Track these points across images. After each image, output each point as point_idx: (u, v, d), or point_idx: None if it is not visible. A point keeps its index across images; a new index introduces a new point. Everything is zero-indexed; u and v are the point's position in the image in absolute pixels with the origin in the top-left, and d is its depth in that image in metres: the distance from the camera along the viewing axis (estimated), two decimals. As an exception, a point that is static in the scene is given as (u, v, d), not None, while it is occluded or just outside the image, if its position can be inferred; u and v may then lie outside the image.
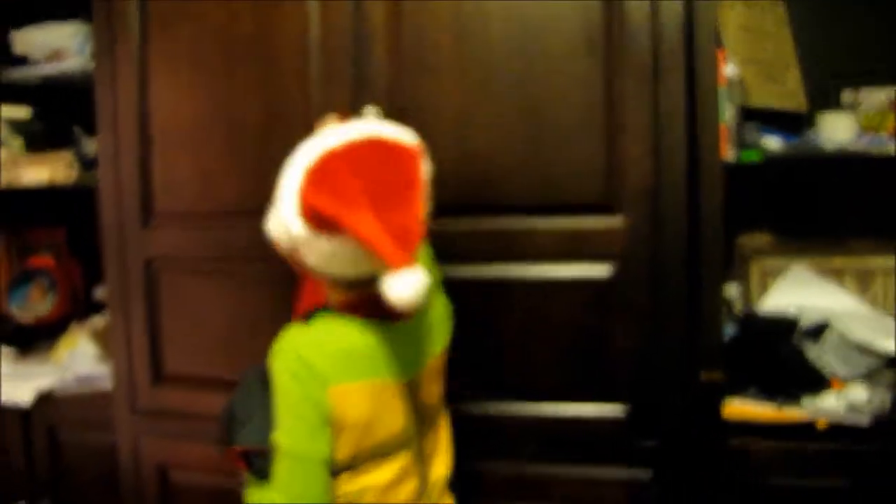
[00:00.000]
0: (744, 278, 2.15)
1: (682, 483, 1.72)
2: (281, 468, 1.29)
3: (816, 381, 1.86)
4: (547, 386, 1.70)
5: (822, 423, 1.76)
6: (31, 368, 2.40)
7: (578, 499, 1.70)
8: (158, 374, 1.99)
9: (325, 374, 1.28)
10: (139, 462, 2.04)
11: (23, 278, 2.61)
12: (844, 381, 1.86)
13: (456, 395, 1.59)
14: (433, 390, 1.46)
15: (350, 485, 1.35)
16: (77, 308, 2.60)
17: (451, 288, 1.51)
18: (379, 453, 1.36)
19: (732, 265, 2.13)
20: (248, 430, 1.34)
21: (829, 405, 1.80)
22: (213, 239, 1.90)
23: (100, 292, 2.55)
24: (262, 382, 1.33)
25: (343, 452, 1.32)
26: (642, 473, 1.67)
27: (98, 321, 2.48)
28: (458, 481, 1.56)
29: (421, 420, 1.42)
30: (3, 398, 2.30)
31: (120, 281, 1.98)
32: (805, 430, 1.77)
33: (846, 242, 2.13)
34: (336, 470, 1.32)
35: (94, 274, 2.57)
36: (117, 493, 2.17)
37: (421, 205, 1.25)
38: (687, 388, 1.72)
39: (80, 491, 2.30)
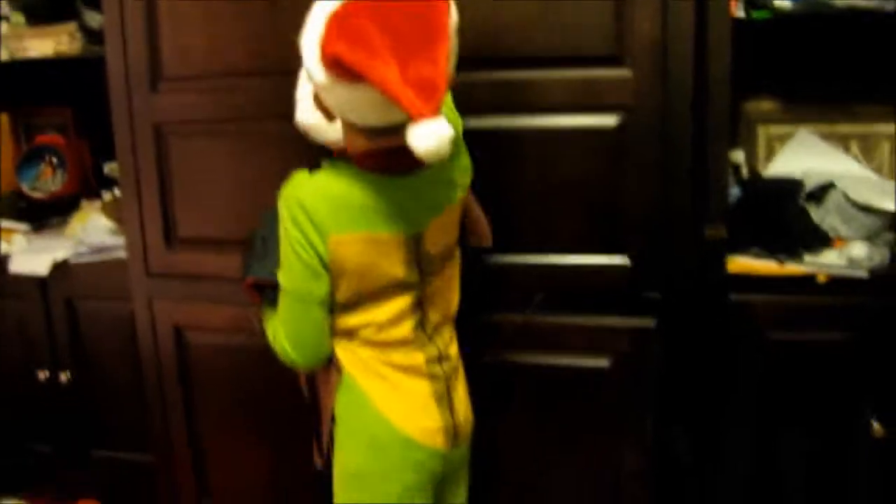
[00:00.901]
0: (750, 143, 2.16)
1: (683, 333, 1.77)
2: (283, 303, 1.39)
3: (819, 240, 1.90)
4: (557, 237, 1.74)
5: (822, 277, 1.80)
6: (46, 242, 2.45)
7: (586, 346, 1.76)
8: (171, 238, 2.03)
9: (324, 223, 1.31)
10: (155, 324, 2.10)
11: (32, 156, 2.63)
12: (846, 240, 1.90)
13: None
14: (441, 240, 1.48)
15: (349, 320, 1.42)
16: (87, 185, 2.63)
17: (465, 139, 1.52)
18: (377, 295, 1.41)
19: (739, 130, 2.14)
20: (261, 263, 1.40)
21: (829, 261, 1.84)
22: (221, 101, 1.91)
23: (109, 168, 2.57)
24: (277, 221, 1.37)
25: (342, 293, 1.39)
26: (646, 322, 1.72)
27: (108, 196, 2.51)
28: (472, 330, 1.61)
29: (424, 269, 1.45)
30: (21, 269, 2.36)
31: (130, 147, 2.00)
32: (806, 284, 1.81)
33: (852, 108, 2.13)
34: (336, 307, 1.40)
35: (102, 152, 2.60)
36: (135, 358, 2.25)
37: (446, 56, 1.23)
38: (692, 243, 1.76)
39: (99, 357, 2.39)
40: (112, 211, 2.42)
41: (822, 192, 1.99)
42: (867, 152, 2.14)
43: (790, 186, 1.99)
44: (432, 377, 1.48)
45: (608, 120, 1.67)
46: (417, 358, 1.46)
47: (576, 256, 1.74)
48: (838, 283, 1.80)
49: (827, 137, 2.12)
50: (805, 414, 1.87)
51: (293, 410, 1.74)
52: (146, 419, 2.23)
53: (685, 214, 1.72)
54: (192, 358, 2.10)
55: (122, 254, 2.26)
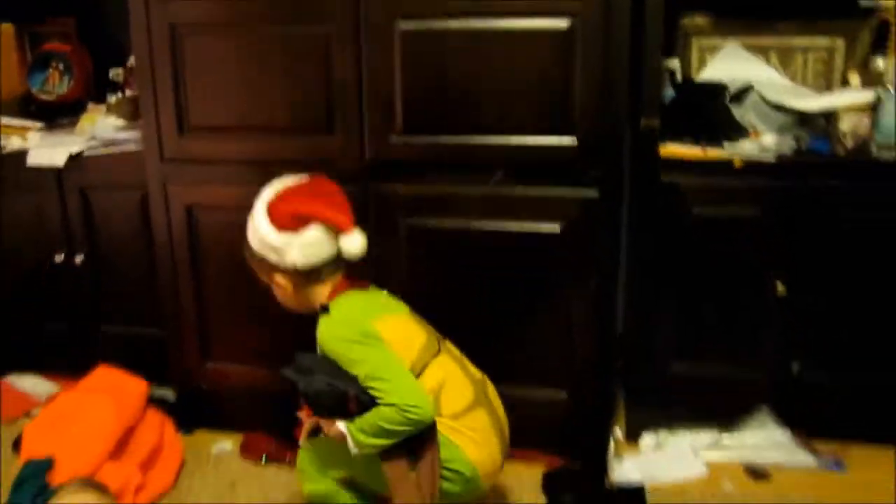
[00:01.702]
0: (685, 54, 2.53)
1: (621, 206, 2.16)
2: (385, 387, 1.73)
3: (738, 132, 2.29)
4: (516, 121, 2.10)
5: (738, 162, 2.19)
6: (59, 138, 2.75)
7: (540, 214, 2.14)
8: (183, 126, 2.34)
9: (365, 317, 1.81)
10: (168, 206, 2.43)
11: (41, 61, 2.91)
12: (760, 133, 2.30)
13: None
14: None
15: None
16: (91, 90, 2.92)
17: (445, 36, 1.86)
18: (423, 362, 1.82)
19: (676, 42, 2.51)
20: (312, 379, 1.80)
21: (745, 148, 2.24)
22: (232, 6, 2.21)
23: (114, 73, 2.86)
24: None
25: None
26: (591, 193, 2.10)
27: (114, 98, 2.81)
28: (435, 202, 1.99)
29: (435, 334, 1.92)
30: (39, 162, 2.66)
31: (147, 45, 2.29)
32: (724, 168, 2.20)
33: (773, 25, 2.50)
34: None
35: (103, 61, 2.89)
36: (143, 241, 2.59)
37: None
38: (629, 131, 2.14)
39: (110, 241, 2.70)
40: (119, 110, 2.73)
41: (742, 93, 2.37)
42: (785, 63, 2.51)
43: (716, 88, 2.38)
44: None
45: (560, 23, 2.02)
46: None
47: (532, 137, 2.10)
48: (751, 167, 2.19)
49: (751, 49, 2.49)
50: (723, 277, 2.28)
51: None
52: (157, 294, 2.57)
53: (623, 106, 2.08)
54: (202, 236, 2.42)
55: (131, 147, 2.59)
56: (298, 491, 2.09)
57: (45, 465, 2.19)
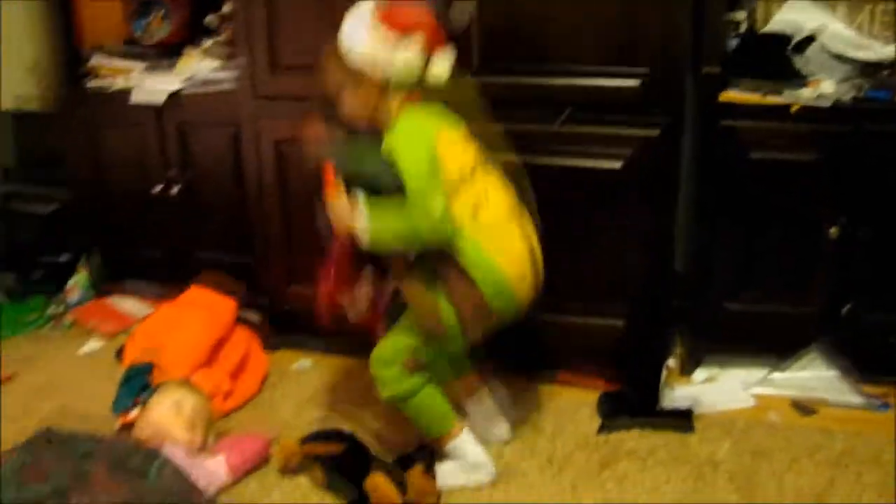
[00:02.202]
0: (751, 7, 2.63)
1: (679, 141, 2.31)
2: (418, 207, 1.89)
3: (798, 79, 2.41)
4: (583, 63, 2.26)
5: (795, 107, 2.31)
6: (159, 78, 3.01)
7: (603, 152, 2.30)
8: (275, 65, 2.57)
9: (429, 131, 1.95)
10: (259, 140, 2.67)
11: (143, 8, 3.17)
12: (820, 82, 2.41)
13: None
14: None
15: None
16: (189, 34, 3.17)
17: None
18: (464, 179, 1.97)
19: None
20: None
21: (803, 95, 2.36)
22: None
23: (208, 19, 3.11)
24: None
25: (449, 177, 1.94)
26: (652, 132, 2.26)
27: (209, 42, 3.06)
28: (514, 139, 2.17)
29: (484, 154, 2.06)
30: (141, 100, 2.93)
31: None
32: (782, 113, 2.32)
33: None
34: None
35: (199, 7, 3.13)
36: (234, 173, 2.84)
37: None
38: (691, 77, 2.29)
39: (204, 174, 2.97)
40: (214, 52, 2.98)
41: (805, 43, 2.48)
42: (852, 15, 2.60)
43: (778, 38, 2.49)
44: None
45: (630, -32, 2.18)
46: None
47: (598, 79, 2.26)
48: (808, 113, 2.31)
49: (818, 1, 2.59)
50: (778, 218, 2.41)
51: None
52: (247, 223, 2.82)
53: (686, 52, 2.23)
54: (290, 168, 2.66)
55: (225, 86, 2.84)
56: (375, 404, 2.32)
57: (147, 369, 2.48)
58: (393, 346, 2.06)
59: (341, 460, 2.12)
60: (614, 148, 2.29)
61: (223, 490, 2.08)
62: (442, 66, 1.97)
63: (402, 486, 1.98)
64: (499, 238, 1.99)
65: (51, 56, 3.17)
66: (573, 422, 2.38)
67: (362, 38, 1.93)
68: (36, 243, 3.36)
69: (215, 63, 2.94)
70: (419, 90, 1.98)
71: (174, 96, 2.90)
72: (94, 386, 2.65)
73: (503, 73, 2.32)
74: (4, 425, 2.41)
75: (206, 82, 2.90)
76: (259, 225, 2.78)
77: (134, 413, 2.26)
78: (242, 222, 2.85)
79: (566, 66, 2.28)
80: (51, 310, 3.19)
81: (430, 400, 2.08)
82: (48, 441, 1.86)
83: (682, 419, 2.34)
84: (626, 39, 2.21)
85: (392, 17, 1.92)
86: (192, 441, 2.11)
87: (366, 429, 2.34)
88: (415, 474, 2.02)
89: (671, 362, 2.56)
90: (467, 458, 2.10)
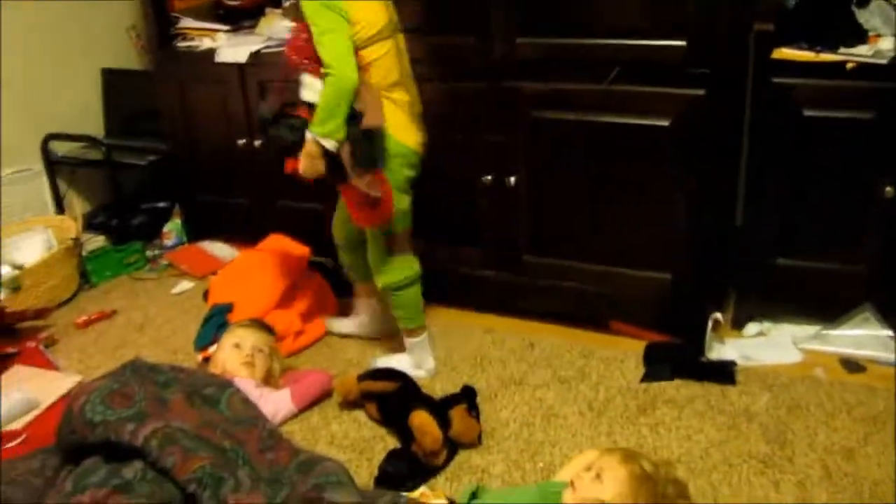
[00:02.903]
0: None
1: (730, 105, 2.37)
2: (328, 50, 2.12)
3: (857, 36, 2.41)
4: (630, 23, 2.34)
5: (850, 64, 2.33)
6: (241, 39, 3.24)
7: (648, 109, 2.38)
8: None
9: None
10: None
11: (227, -29, 3.40)
12: (880, 38, 2.41)
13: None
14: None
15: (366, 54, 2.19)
16: (270, -5, 3.39)
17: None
18: (372, 40, 2.18)
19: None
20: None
21: (861, 52, 2.36)
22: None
23: (289, -21, 3.30)
24: None
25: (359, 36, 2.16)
26: (698, 91, 2.33)
27: (287, 2, 3.26)
28: (556, 98, 2.28)
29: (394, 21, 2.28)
30: (225, 59, 3.17)
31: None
32: (837, 71, 2.34)
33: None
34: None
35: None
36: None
37: None
38: (741, 33, 2.33)
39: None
40: (291, 12, 3.17)
41: (868, -3, 2.48)
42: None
43: (840, -9, 2.49)
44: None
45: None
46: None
47: (645, 40, 2.34)
48: (864, 70, 2.31)
49: (887, -46, 2.56)
50: (831, 177, 2.45)
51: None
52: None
53: (734, 10, 2.27)
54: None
55: (301, 46, 3.03)
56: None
57: (227, 308, 2.76)
58: (376, 244, 2.43)
59: (393, 397, 2.32)
60: (662, 106, 2.37)
61: (288, 419, 2.33)
62: None
63: (445, 423, 2.17)
64: (391, 97, 2.27)
65: (145, 18, 3.43)
66: (619, 370, 2.52)
67: None
68: (136, 192, 3.71)
69: (293, 23, 3.12)
70: None
71: (255, 55, 3.12)
72: (184, 323, 2.96)
73: (552, 35, 2.43)
74: (104, 356, 2.75)
75: (284, 42, 3.09)
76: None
77: (212, 349, 2.54)
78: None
79: (612, 26, 2.36)
80: (148, 253, 3.53)
81: (415, 295, 2.47)
82: (134, 370, 2.13)
83: (725, 371, 2.44)
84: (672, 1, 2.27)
85: None
86: (251, 376, 2.36)
87: (420, 370, 2.55)
88: (458, 413, 2.20)
89: (722, 316, 2.64)
90: (420, 355, 2.54)
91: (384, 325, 2.76)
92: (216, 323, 2.69)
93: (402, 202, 2.36)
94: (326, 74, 2.14)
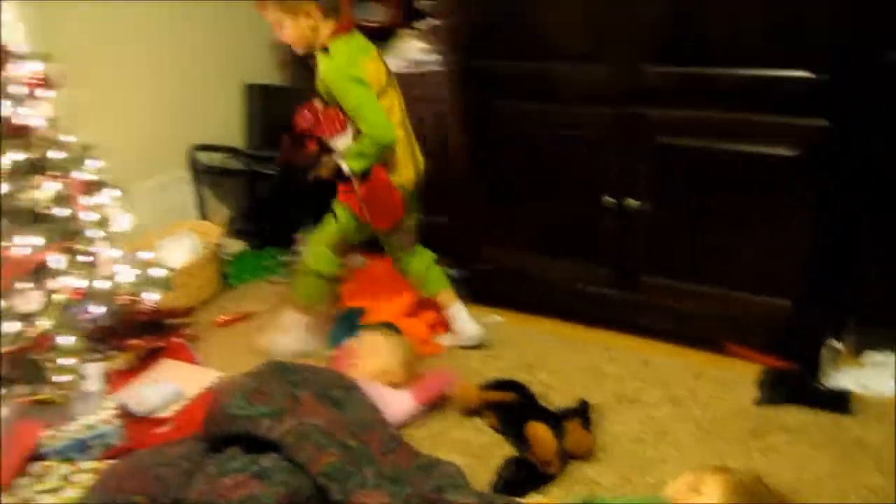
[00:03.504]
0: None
1: (856, 133, 2.41)
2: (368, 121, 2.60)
3: None
4: (754, 54, 2.41)
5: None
6: (376, 58, 3.46)
7: (774, 139, 2.45)
8: (475, 52, 2.94)
9: (356, 61, 2.61)
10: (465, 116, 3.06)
11: (364, -5, 3.64)
12: None
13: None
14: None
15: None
16: (403, 17, 3.60)
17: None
18: (381, 92, 2.65)
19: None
20: None
21: None
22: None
23: (420, 3, 3.51)
24: None
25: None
26: (822, 122, 2.37)
27: (421, 25, 3.47)
28: (681, 124, 2.39)
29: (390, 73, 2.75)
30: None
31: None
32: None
33: None
34: None
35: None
36: (441, 146, 3.23)
37: None
38: (872, 65, 2.37)
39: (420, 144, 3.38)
40: (425, 35, 3.38)
41: None
42: None
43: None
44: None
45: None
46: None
47: (772, 69, 2.39)
48: None
49: None
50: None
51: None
52: (448, 187, 3.22)
53: (868, 38, 2.30)
54: (490, 144, 3.04)
55: (433, 67, 3.23)
56: (549, 361, 2.68)
57: (359, 312, 2.99)
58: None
59: (511, 407, 2.49)
60: (789, 135, 2.42)
61: (411, 419, 2.52)
62: None
63: (560, 434, 2.32)
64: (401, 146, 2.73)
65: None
66: (732, 392, 2.60)
67: None
68: (270, 199, 4.00)
69: (424, 45, 3.34)
70: (347, 18, 2.64)
71: (387, 73, 3.33)
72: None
73: (679, 64, 2.53)
74: (240, 354, 3.02)
75: (417, 62, 3.31)
76: (458, 191, 3.19)
77: (342, 349, 2.76)
78: (444, 186, 3.24)
79: (738, 54, 2.43)
80: (283, 258, 3.81)
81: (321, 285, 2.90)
82: (271, 370, 2.36)
83: (841, 400, 2.48)
84: (798, 32, 2.32)
85: None
86: (380, 378, 2.56)
87: (538, 381, 2.70)
88: (572, 426, 2.35)
89: (840, 344, 2.69)
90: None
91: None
92: (348, 325, 2.92)
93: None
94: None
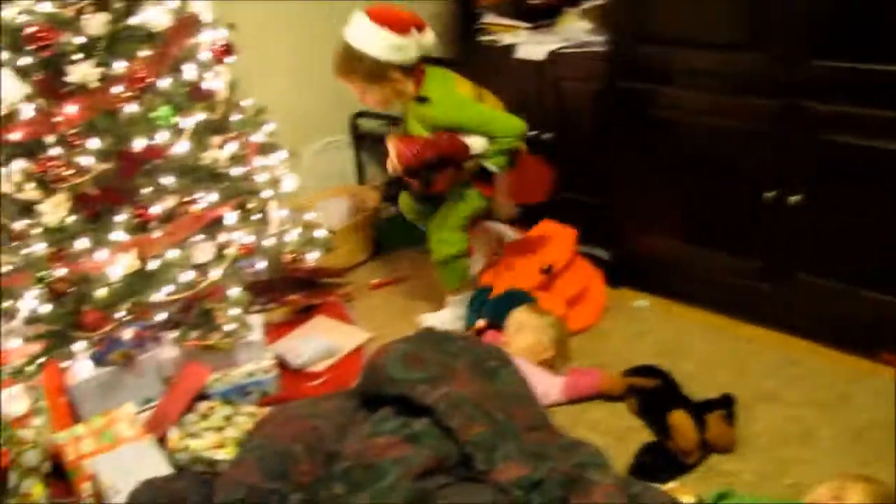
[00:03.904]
0: None
1: None
2: (493, 128, 2.88)
3: None
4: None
5: None
6: (540, 37, 3.53)
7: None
8: (641, 36, 2.96)
9: (452, 89, 2.89)
10: (626, 100, 3.09)
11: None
12: None
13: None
14: None
15: None
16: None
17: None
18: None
19: None
20: None
21: None
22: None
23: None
24: None
25: None
26: None
27: (588, 4, 3.49)
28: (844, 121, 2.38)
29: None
30: (524, 55, 3.48)
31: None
32: None
33: None
34: None
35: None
36: (598, 126, 3.29)
37: None
38: None
39: (574, 123, 3.45)
40: (589, 15, 3.42)
41: None
42: None
43: None
44: None
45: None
46: None
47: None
48: None
49: None
50: None
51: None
52: (606, 170, 3.28)
53: None
54: (648, 128, 3.06)
55: (596, 48, 3.26)
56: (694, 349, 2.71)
57: (487, 290, 3.11)
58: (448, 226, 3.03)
59: (654, 394, 2.55)
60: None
61: (554, 405, 2.60)
62: (430, 38, 2.83)
63: (701, 425, 2.36)
64: None
65: (450, 12, 3.82)
66: (884, 402, 2.55)
67: (370, 41, 2.70)
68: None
69: (590, 25, 3.37)
70: (421, 62, 2.81)
71: (553, 53, 3.39)
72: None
73: (843, 58, 2.47)
74: (391, 317, 3.20)
75: (580, 43, 3.35)
76: (616, 174, 3.24)
77: (479, 324, 2.95)
78: (602, 169, 3.31)
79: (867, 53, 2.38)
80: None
81: (461, 264, 3.07)
82: (428, 337, 2.49)
83: None
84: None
85: (385, 18, 2.69)
86: (530, 356, 2.67)
87: (680, 369, 2.74)
88: (715, 418, 2.38)
89: None
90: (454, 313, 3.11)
91: None
92: (478, 303, 3.05)
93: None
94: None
